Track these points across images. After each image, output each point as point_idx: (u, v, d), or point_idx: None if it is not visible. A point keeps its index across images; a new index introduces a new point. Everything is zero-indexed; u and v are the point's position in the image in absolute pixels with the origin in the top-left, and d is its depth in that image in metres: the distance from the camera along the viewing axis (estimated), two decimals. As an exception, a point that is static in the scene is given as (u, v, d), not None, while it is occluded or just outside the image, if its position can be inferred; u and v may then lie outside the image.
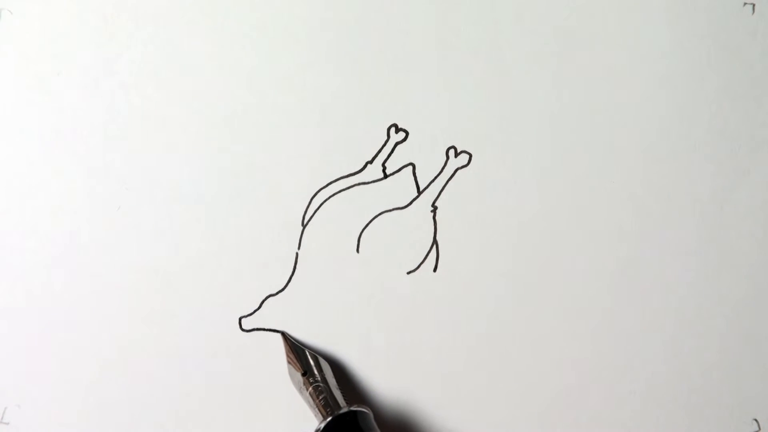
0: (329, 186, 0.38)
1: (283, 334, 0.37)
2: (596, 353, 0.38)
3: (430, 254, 0.38)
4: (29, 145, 0.37)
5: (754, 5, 0.38)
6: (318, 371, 0.36)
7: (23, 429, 0.37)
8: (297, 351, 0.37)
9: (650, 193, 0.38)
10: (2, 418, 0.37)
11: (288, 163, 0.37)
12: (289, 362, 0.37)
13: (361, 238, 0.38)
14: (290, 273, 0.38)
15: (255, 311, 0.38)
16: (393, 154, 0.38)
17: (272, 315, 0.38)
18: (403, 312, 0.38)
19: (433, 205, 0.38)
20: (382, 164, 0.38)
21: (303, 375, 0.36)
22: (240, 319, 0.38)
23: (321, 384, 0.35)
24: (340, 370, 0.38)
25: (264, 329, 0.38)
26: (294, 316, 0.38)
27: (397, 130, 0.38)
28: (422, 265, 0.38)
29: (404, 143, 0.38)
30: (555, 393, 0.38)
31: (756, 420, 0.38)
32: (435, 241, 0.38)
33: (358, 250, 0.38)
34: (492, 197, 0.38)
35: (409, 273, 0.38)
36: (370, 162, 0.38)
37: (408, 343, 0.38)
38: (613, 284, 0.38)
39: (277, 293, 0.38)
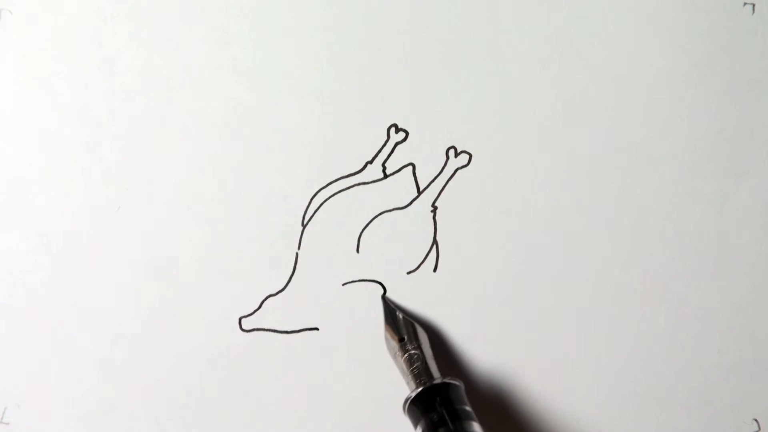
0: (329, 186, 0.38)
1: (384, 298, 0.37)
2: (596, 353, 0.38)
3: (430, 254, 0.38)
4: (29, 145, 0.37)
5: (754, 5, 0.38)
6: (414, 339, 0.36)
7: (23, 429, 0.37)
8: (394, 317, 0.37)
9: (650, 193, 0.38)
10: (2, 418, 0.37)
11: (288, 163, 0.37)
12: (386, 328, 0.37)
13: (361, 238, 0.38)
14: (290, 273, 0.38)
15: (255, 311, 0.38)
16: (393, 154, 0.38)
17: (272, 315, 0.38)
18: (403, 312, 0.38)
19: (433, 205, 0.38)
20: (382, 164, 0.38)
21: (399, 341, 0.36)
22: (240, 319, 0.38)
23: (416, 352, 0.35)
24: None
25: (264, 329, 0.38)
26: (294, 316, 0.38)
27: (397, 130, 0.38)
28: (422, 265, 0.38)
29: (404, 143, 0.38)
30: (555, 393, 0.38)
31: (756, 420, 0.38)
32: (435, 241, 0.38)
33: (358, 250, 0.38)
34: (492, 197, 0.38)
35: (409, 273, 0.38)
36: (370, 162, 0.38)
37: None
38: (613, 284, 0.38)
39: (277, 293, 0.38)
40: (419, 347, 0.36)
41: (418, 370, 0.35)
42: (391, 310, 0.37)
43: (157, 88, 0.37)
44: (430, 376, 0.34)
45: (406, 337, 0.36)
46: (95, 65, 0.37)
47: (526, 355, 0.38)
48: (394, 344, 0.36)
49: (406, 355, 0.35)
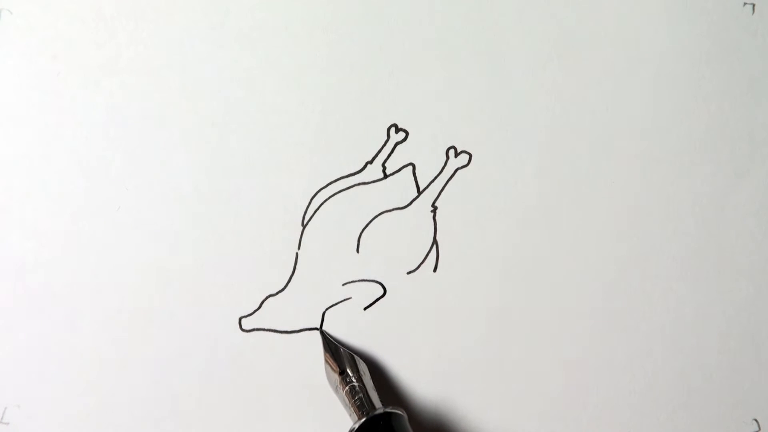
0: (329, 186, 0.38)
1: (322, 332, 0.37)
2: (596, 353, 0.38)
3: (430, 254, 0.38)
4: (29, 145, 0.37)
5: (754, 5, 0.38)
6: (354, 371, 0.36)
7: (23, 429, 0.37)
8: (334, 350, 0.37)
9: (650, 193, 0.38)
10: (2, 418, 0.37)
11: (288, 163, 0.37)
12: (326, 361, 0.37)
13: (361, 238, 0.38)
14: (290, 273, 0.38)
15: (255, 311, 0.38)
16: (393, 154, 0.38)
17: (272, 315, 0.38)
18: (403, 312, 0.38)
19: (433, 205, 0.38)
20: (382, 164, 0.38)
21: (339, 374, 0.36)
22: (240, 319, 0.38)
23: (357, 384, 0.35)
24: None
25: (264, 329, 0.38)
26: (294, 316, 0.38)
27: (397, 130, 0.38)
28: (422, 265, 0.38)
29: (404, 143, 0.38)
30: (555, 393, 0.38)
31: (756, 420, 0.38)
32: (435, 241, 0.38)
33: (358, 250, 0.38)
34: (492, 197, 0.38)
35: (409, 273, 0.38)
36: (370, 162, 0.38)
37: (408, 343, 0.38)
38: (613, 284, 0.38)
39: (277, 293, 0.38)
40: (360, 379, 0.36)
41: (360, 401, 0.35)
42: (330, 343, 0.37)
43: (157, 88, 0.37)
44: (372, 407, 0.34)
45: (348, 369, 0.36)
46: (95, 65, 0.37)
47: (526, 358, 0.38)
48: (335, 377, 0.36)
49: (347, 387, 0.35)
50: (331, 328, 0.38)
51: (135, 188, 0.37)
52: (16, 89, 0.37)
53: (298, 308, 0.38)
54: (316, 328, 0.38)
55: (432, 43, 0.38)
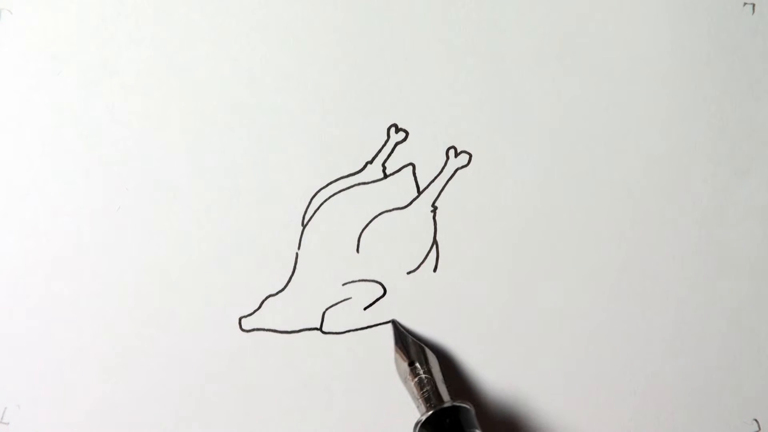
0: (329, 186, 0.38)
1: (394, 323, 0.37)
2: (596, 353, 0.38)
3: (430, 254, 0.38)
4: (29, 145, 0.37)
5: (754, 5, 0.38)
6: (424, 363, 0.36)
7: (23, 429, 0.37)
8: (404, 341, 0.37)
9: (650, 193, 0.38)
10: (2, 418, 0.37)
11: (288, 163, 0.37)
12: (396, 351, 0.37)
13: (361, 238, 0.38)
14: (290, 273, 0.38)
15: (255, 311, 0.38)
16: (393, 154, 0.38)
17: (272, 315, 0.38)
18: (403, 312, 0.38)
19: (433, 205, 0.38)
20: (382, 164, 0.38)
21: (409, 365, 0.36)
22: (240, 319, 0.38)
23: (426, 376, 0.35)
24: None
25: (264, 329, 0.38)
26: (294, 316, 0.38)
27: (397, 130, 0.38)
28: (422, 265, 0.38)
29: (404, 143, 0.38)
30: (555, 393, 0.38)
31: (756, 420, 0.38)
32: (435, 241, 0.38)
33: (358, 250, 0.38)
34: (492, 197, 0.38)
35: (409, 273, 0.38)
36: (370, 162, 0.38)
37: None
38: (613, 284, 0.38)
39: (277, 293, 0.38)
40: (429, 371, 0.36)
41: (428, 393, 0.35)
42: (401, 334, 0.37)
43: (157, 88, 0.37)
44: (440, 400, 0.34)
45: (416, 361, 0.36)
46: (95, 65, 0.37)
47: (527, 358, 0.38)
48: (405, 368, 0.36)
49: (416, 379, 0.35)
50: (331, 329, 0.38)
51: (135, 188, 0.37)
52: (16, 89, 0.37)
53: (298, 308, 0.38)
54: (316, 328, 0.38)
55: (432, 43, 0.37)
